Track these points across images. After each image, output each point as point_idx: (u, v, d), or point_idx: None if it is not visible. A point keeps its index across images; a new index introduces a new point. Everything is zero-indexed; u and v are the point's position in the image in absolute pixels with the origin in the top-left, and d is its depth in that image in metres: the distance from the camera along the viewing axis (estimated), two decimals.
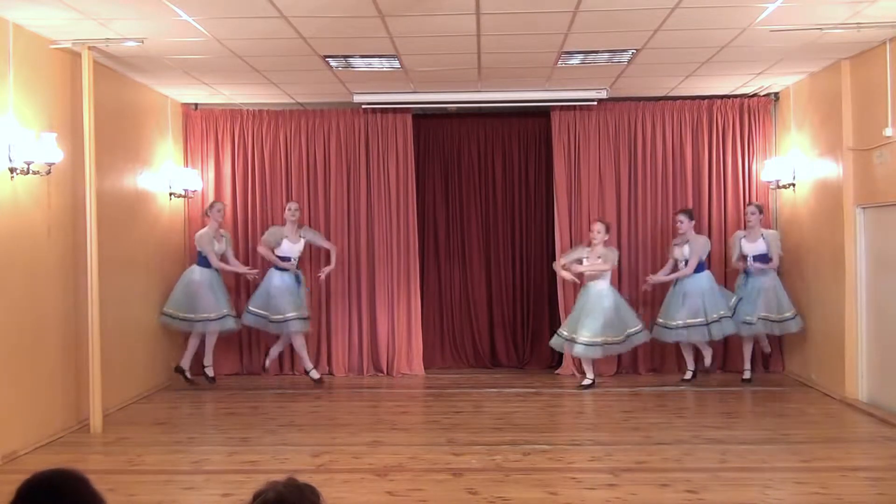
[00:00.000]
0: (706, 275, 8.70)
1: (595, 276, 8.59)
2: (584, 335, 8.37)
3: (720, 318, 8.49)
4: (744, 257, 8.69)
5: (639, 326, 8.58)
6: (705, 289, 8.60)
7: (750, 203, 9.05)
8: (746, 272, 8.66)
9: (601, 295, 8.49)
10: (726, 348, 9.15)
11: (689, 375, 8.78)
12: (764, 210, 8.97)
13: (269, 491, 2.20)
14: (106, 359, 7.11)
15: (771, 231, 8.89)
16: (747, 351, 8.76)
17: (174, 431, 7.07)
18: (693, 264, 8.59)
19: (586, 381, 8.60)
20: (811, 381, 8.54)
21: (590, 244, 8.74)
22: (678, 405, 7.84)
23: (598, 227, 8.61)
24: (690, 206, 9.58)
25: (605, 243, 8.63)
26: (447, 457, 6.09)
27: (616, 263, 8.74)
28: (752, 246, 8.66)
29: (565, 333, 8.60)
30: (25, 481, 2.27)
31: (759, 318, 8.49)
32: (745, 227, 8.91)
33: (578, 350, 8.50)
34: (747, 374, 8.70)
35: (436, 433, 6.88)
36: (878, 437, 6.59)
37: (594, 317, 8.37)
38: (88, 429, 6.90)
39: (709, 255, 8.90)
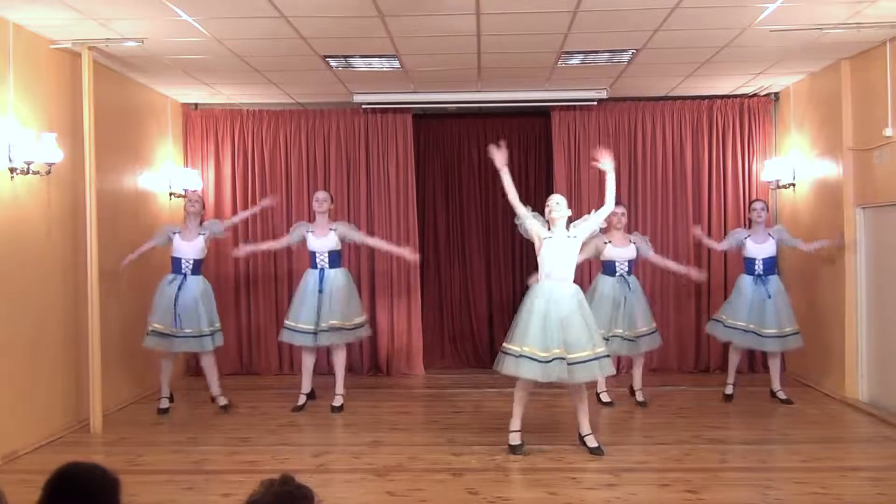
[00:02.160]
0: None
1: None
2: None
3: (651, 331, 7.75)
4: (751, 262, 7.80)
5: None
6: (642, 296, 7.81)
7: (757, 199, 8.27)
8: (757, 275, 7.75)
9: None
10: (725, 348, 9.11)
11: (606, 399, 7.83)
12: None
13: (259, 501, 2.22)
14: (106, 359, 7.11)
15: (777, 226, 8.16)
16: (732, 363, 8.04)
17: (174, 431, 7.07)
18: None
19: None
20: (811, 380, 8.53)
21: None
22: (678, 405, 7.83)
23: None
24: (690, 206, 9.59)
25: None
26: (447, 457, 6.09)
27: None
28: (761, 248, 7.75)
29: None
30: (57, 471, 2.36)
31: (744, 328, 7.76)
32: (748, 226, 8.10)
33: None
34: (729, 389, 7.97)
35: (436, 433, 6.88)
36: (878, 437, 6.59)
37: None
38: (88, 429, 6.91)
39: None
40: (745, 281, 7.85)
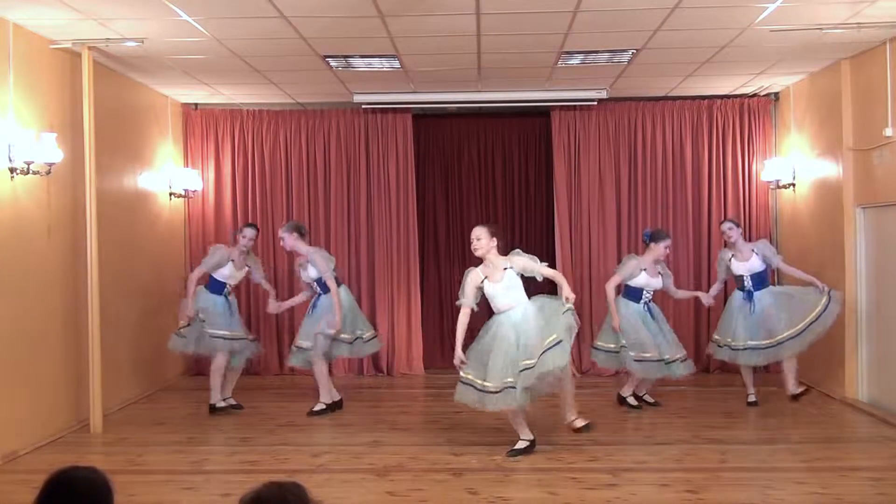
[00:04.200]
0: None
1: None
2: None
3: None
4: (739, 279, 7.69)
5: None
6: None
7: (724, 220, 8.10)
8: (747, 291, 7.64)
9: None
10: None
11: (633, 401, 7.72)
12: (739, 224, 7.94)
13: (249, 493, 2.24)
14: (106, 359, 7.11)
15: (760, 241, 8.01)
16: (747, 376, 7.85)
17: (174, 431, 7.07)
18: None
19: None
20: (812, 381, 8.52)
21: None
22: (678, 405, 7.83)
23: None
24: (690, 206, 9.60)
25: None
26: (447, 457, 6.09)
27: None
28: (745, 265, 7.63)
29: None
30: (55, 474, 2.41)
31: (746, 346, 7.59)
32: (725, 247, 7.89)
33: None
34: (752, 398, 7.81)
35: (436, 433, 6.88)
36: (878, 437, 6.59)
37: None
38: (88, 429, 6.91)
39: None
40: (736, 298, 7.74)
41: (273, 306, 8.03)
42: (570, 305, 6.01)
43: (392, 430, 7.03)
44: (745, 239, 8.00)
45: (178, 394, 8.57)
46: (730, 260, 7.73)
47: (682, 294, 8.10)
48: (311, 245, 8.00)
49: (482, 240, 6.22)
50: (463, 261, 10.25)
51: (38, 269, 6.53)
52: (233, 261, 7.71)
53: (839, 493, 5.12)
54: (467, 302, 6.25)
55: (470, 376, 6.13)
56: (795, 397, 7.64)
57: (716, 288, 8.09)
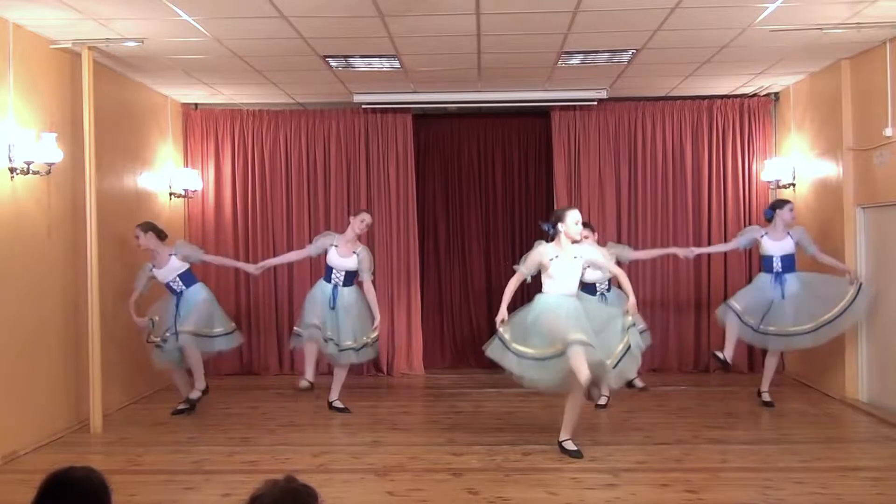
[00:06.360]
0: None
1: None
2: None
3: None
4: (769, 259, 7.62)
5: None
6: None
7: (788, 201, 7.86)
8: (776, 273, 7.58)
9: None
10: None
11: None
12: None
13: (265, 496, 2.22)
14: (106, 359, 7.11)
15: (799, 227, 7.80)
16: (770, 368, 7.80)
17: (174, 431, 7.06)
18: None
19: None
20: (811, 380, 8.52)
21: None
22: (678, 405, 7.83)
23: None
24: (690, 206, 9.59)
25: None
26: (447, 457, 6.09)
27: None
28: (779, 245, 7.57)
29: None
30: (52, 475, 2.42)
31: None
32: (769, 224, 7.76)
33: None
34: (766, 396, 7.73)
35: (436, 433, 6.88)
36: (878, 437, 6.59)
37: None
38: (88, 429, 6.91)
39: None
40: (763, 279, 7.70)
41: (253, 268, 7.94)
42: (631, 319, 6.10)
43: (392, 430, 7.03)
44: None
45: (177, 394, 8.53)
46: (762, 237, 7.67)
47: (644, 254, 8.07)
48: (310, 244, 7.92)
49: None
50: (463, 261, 10.29)
51: (37, 270, 6.53)
52: (153, 267, 7.57)
53: (839, 493, 5.12)
54: (525, 271, 6.26)
55: (507, 337, 6.14)
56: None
57: (719, 248, 8.26)
